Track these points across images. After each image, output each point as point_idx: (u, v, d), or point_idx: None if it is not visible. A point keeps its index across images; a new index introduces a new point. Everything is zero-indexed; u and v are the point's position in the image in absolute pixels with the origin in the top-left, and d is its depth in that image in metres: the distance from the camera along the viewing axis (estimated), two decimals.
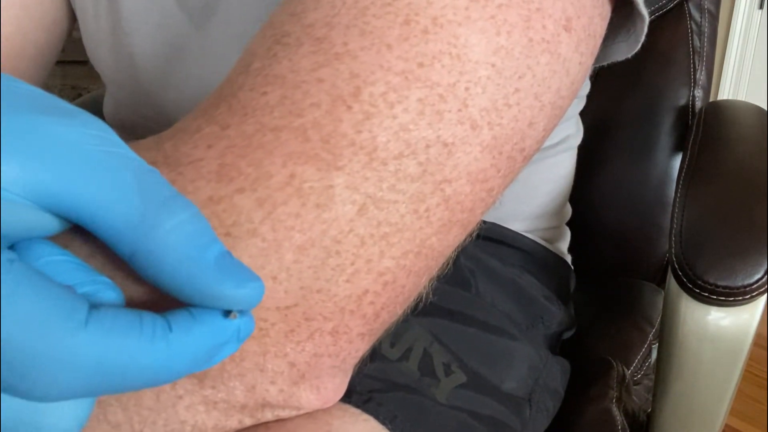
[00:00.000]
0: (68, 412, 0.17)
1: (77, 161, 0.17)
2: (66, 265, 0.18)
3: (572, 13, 0.26)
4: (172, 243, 0.17)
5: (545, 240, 0.53)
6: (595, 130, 0.59)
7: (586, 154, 0.59)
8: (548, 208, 0.53)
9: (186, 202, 0.18)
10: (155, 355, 0.16)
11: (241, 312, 0.19)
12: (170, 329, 0.17)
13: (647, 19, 0.32)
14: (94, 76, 0.53)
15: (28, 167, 0.16)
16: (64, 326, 0.15)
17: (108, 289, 0.18)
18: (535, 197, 0.51)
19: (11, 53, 0.44)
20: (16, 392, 0.15)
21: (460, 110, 0.23)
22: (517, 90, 0.25)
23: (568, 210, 0.60)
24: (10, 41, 0.44)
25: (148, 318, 0.17)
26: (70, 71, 1.37)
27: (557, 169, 0.54)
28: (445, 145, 0.23)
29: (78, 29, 0.49)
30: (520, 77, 0.25)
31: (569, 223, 0.60)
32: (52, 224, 0.18)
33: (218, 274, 0.18)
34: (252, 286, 0.18)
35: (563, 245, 0.57)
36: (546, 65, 0.25)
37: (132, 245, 0.17)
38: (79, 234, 0.20)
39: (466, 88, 0.23)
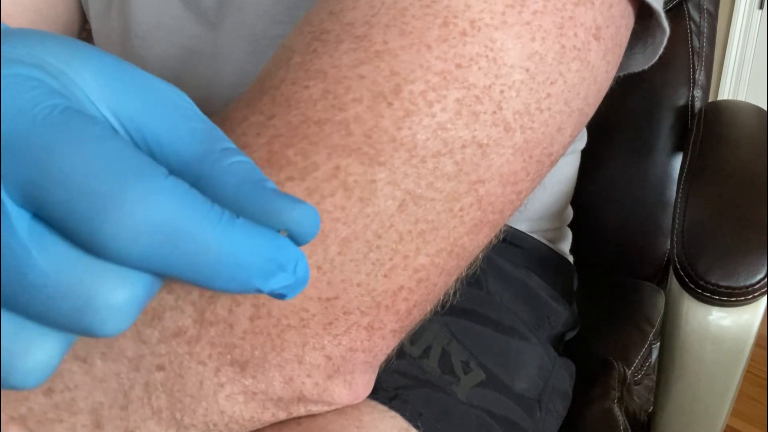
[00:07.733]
0: (125, 283, 0.17)
1: (162, 104, 0.18)
2: None
3: (602, 23, 0.26)
4: (233, 170, 0.18)
5: (548, 241, 0.53)
6: (594, 131, 0.59)
7: (587, 155, 0.59)
8: (551, 210, 0.53)
9: (244, 155, 0.19)
10: (219, 234, 0.16)
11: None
12: (237, 218, 0.17)
13: (668, 32, 0.32)
14: None
15: (124, 96, 0.18)
16: (148, 170, 0.16)
17: None
18: (539, 198, 0.52)
19: None
20: (84, 233, 0.15)
21: (494, 112, 0.24)
22: (548, 95, 0.25)
23: (570, 212, 0.60)
24: None
25: (219, 205, 0.17)
26: None
27: (561, 172, 0.54)
28: (480, 146, 0.24)
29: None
30: (552, 83, 0.25)
31: (570, 224, 0.60)
32: None
33: (276, 195, 0.18)
34: (309, 207, 0.18)
35: (565, 246, 0.57)
36: (576, 72, 0.26)
37: (196, 172, 0.18)
38: None
39: (501, 91, 0.24)
